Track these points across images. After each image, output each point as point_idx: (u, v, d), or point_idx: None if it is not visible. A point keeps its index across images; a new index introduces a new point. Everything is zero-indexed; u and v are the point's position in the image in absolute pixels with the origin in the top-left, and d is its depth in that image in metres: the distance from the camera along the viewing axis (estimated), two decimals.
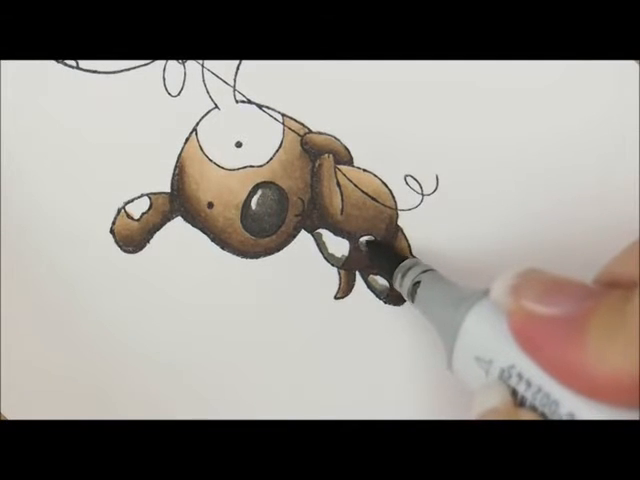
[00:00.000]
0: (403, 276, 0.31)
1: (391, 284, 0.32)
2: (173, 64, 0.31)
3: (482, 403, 0.23)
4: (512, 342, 0.22)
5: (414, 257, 0.32)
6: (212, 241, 0.32)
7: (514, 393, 0.22)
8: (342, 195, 0.33)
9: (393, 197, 0.33)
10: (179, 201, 0.32)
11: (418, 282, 0.30)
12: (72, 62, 0.31)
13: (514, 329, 0.22)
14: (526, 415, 0.22)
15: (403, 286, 0.30)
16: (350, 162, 0.32)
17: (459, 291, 0.27)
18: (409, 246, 0.33)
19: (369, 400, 0.33)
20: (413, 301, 0.30)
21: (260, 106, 0.32)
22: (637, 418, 0.20)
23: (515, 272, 0.23)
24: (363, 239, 0.33)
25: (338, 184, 0.32)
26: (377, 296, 0.33)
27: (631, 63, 0.31)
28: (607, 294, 0.21)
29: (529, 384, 0.22)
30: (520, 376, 0.22)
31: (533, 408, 0.22)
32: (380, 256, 0.32)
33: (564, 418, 0.21)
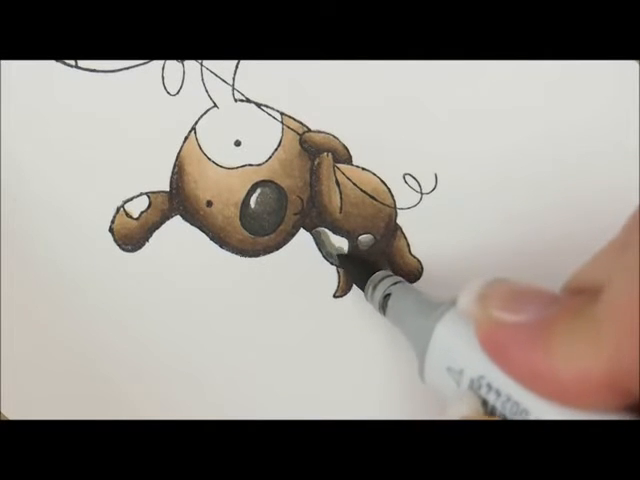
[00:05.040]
0: (374, 289, 0.31)
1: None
2: (172, 63, 0.31)
3: (453, 414, 0.23)
4: (480, 352, 0.22)
5: (385, 270, 0.32)
6: (211, 240, 0.32)
7: (484, 403, 0.22)
8: (341, 194, 0.33)
9: (392, 196, 0.33)
10: (178, 200, 0.32)
11: (389, 294, 0.30)
12: (71, 61, 0.31)
13: (481, 338, 0.22)
14: None
15: (374, 299, 0.31)
16: (349, 161, 0.32)
17: (429, 302, 0.27)
18: (408, 245, 0.33)
19: (369, 399, 0.33)
20: (385, 314, 0.30)
21: (259, 105, 0.32)
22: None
23: (481, 281, 0.23)
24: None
25: (337, 183, 0.33)
26: None
27: (631, 63, 0.31)
28: (572, 299, 0.21)
29: (498, 393, 0.22)
30: (489, 386, 0.22)
31: (503, 418, 0.22)
32: (351, 270, 0.33)
33: None
